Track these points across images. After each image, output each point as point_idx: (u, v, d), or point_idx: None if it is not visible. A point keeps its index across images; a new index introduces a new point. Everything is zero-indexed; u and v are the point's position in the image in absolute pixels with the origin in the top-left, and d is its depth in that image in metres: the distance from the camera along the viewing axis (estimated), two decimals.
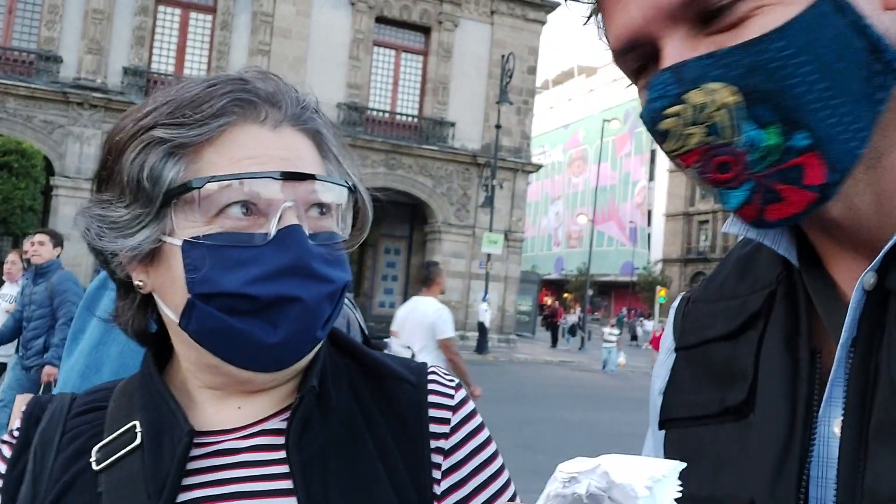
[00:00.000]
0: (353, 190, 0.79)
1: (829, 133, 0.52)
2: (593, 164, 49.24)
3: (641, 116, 0.59)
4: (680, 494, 0.47)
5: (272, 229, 0.70)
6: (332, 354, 0.82)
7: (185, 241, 0.71)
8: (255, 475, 0.73)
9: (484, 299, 22.23)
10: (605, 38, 0.63)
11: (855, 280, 0.57)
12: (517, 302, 26.23)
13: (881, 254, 0.55)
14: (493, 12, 24.47)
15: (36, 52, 20.44)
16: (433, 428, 0.79)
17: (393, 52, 24.22)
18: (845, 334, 0.56)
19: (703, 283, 0.76)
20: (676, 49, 0.55)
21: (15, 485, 0.75)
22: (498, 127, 22.80)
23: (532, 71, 24.96)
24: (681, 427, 0.68)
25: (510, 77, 22.40)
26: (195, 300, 0.71)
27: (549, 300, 49.88)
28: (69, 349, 1.39)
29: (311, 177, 0.73)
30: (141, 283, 0.76)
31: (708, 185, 0.57)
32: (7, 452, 0.77)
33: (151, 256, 0.74)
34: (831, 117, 0.52)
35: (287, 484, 0.72)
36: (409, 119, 24.20)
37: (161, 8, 21.87)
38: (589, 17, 0.64)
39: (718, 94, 0.53)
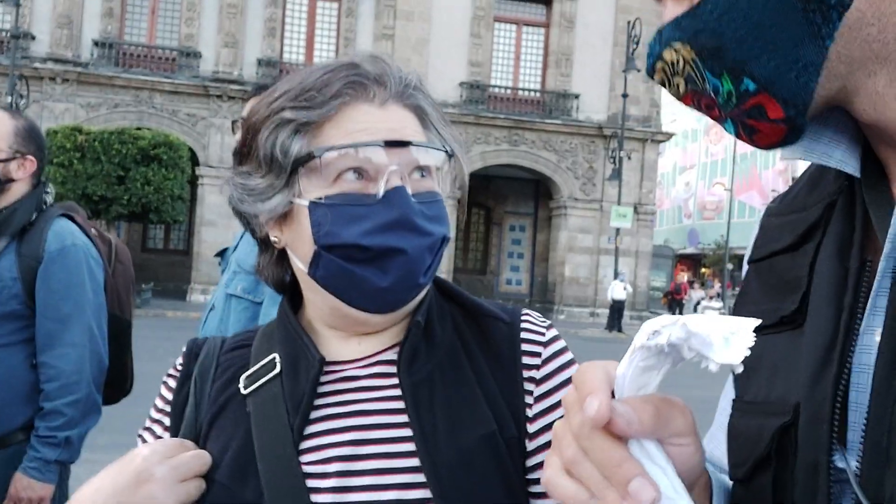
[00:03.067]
0: (449, 154, 0.91)
1: (772, 76, 0.58)
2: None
3: None
4: (751, 347, 0.50)
5: (381, 190, 0.84)
6: (438, 299, 0.95)
7: (310, 201, 0.85)
8: (372, 397, 0.87)
9: (616, 275, 21.67)
10: None
11: None
12: (650, 277, 25.44)
13: None
14: None
15: (177, 49, 21.83)
16: (525, 360, 0.91)
17: (514, 27, 23.94)
18: (889, 245, 0.58)
19: (779, 196, 0.78)
20: (669, 8, 0.61)
21: (180, 407, 0.92)
22: (625, 96, 22.05)
23: None
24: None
25: (637, 44, 21.53)
26: (321, 251, 0.85)
27: (684, 275, 48.08)
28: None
29: (410, 143, 0.86)
30: (276, 240, 0.92)
31: (710, 118, 0.64)
32: (172, 383, 0.95)
33: (284, 216, 0.89)
34: (772, 60, 0.57)
35: (399, 404, 0.86)
36: (532, 94, 23.89)
37: None
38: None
39: (681, 52, 0.60)
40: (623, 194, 22.36)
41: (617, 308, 21.00)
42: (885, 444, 0.53)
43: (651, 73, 0.65)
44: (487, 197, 26.08)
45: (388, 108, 0.88)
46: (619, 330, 20.80)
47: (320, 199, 0.84)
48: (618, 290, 21.00)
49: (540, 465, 0.86)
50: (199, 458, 0.85)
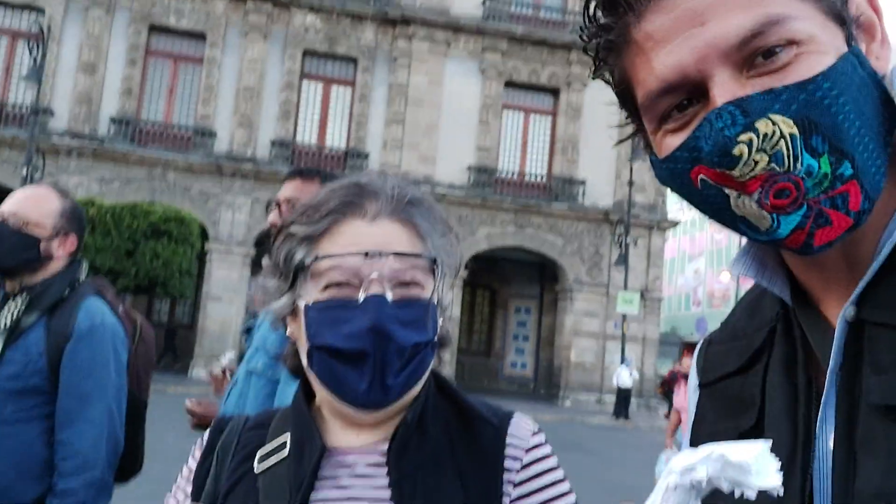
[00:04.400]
0: (435, 262, 0.98)
1: (864, 165, 0.60)
2: None
3: (691, 149, 0.63)
4: (779, 465, 0.53)
5: (361, 297, 0.93)
6: (435, 396, 1.03)
7: (306, 304, 0.96)
8: (366, 485, 0.95)
9: (622, 361, 21.41)
10: (617, 87, 0.71)
11: (839, 313, 0.64)
12: (656, 365, 25.13)
13: (858, 288, 0.63)
14: None
15: (193, 128, 22.38)
16: (507, 464, 0.98)
17: (521, 114, 24.55)
18: (832, 362, 0.64)
19: (720, 326, 0.84)
20: (728, 87, 0.61)
21: (202, 478, 1.03)
22: (630, 183, 22.36)
23: None
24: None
25: None
26: (313, 349, 0.95)
27: (685, 362, 47.47)
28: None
29: (387, 254, 0.94)
30: (290, 333, 1.03)
31: (764, 211, 0.62)
32: (198, 454, 1.06)
33: (293, 313, 1.00)
34: (864, 151, 0.60)
35: (388, 493, 0.94)
36: (539, 179, 24.27)
37: (305, 83, 23.42)
38: (598, 69, 0.72)
39: (781, 126, 0.59)
40: (629, 280, 22.36)
41: (623, 395, 20.65)
42: None
43: (730, 146, 0.61)
44: (493, 279, 26.11)
45: (378, 222, 0.97)
46: (626, 417, 20.40)
47: (312, 302, 0.95)
48: (624, 377, 20.69)
49: None
50: None
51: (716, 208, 0.65)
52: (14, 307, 2.16)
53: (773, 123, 0.59)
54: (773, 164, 0.60)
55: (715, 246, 57.32)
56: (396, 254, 0.95)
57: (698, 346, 0.86)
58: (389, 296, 0.93)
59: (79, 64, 21.69)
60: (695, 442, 0.78)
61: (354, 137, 23.27)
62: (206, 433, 1.07)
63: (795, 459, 0.64)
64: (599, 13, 0.69)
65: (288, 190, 2.32)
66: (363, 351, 0.91)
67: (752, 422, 0.70)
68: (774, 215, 0.61)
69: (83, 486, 2.09)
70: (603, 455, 13.53)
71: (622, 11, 0.66)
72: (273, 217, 2.33)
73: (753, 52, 0.61)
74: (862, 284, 0.63)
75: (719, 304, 54.44)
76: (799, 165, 0.59)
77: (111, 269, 17.99)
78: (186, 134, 22.45)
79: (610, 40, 0.68)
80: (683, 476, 0.53)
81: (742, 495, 0.54)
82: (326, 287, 0.95)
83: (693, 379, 0.84)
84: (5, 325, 2.14)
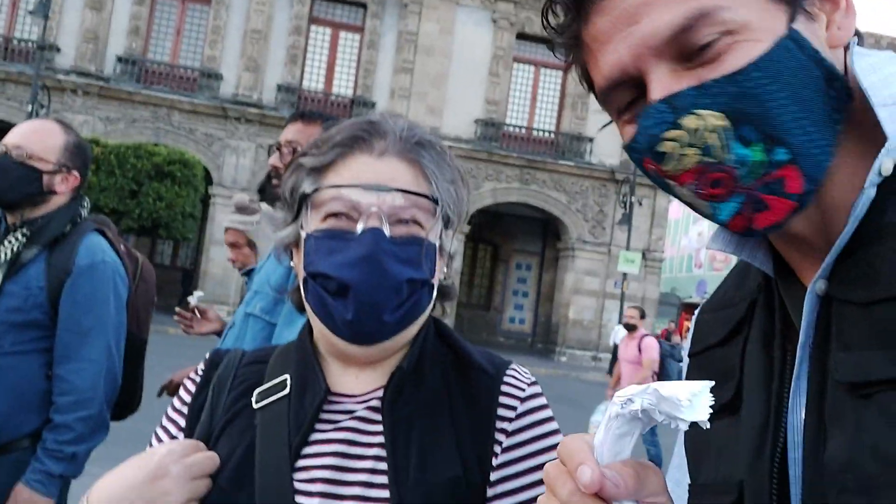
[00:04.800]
0: (437, 203, 0.98)
1: (802, 148, 0.61)
2: None
3: (633, 144, 0.66)
4: (713, 404, 0.56)
5: (359, 229, 0.93)
6: (435, 341, 1.04)
7: (307, 234, 0.97)
8: (362, 429, 0.96)
9: (620, 320, 21.53)
10: (584, 82, 0.74)
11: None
12: (655, 325, 25.30)
13: (825, 262, 0.63)
14: None
15: (199, 70, 22.15)
16: (501, 412, 0.98)
17: (532, 68, 24.23)
18: (802, 336, 0.65)
19: (713, 293, 0.85)
20: (663, 82, 0.63)
21: (197, 411, 1.02)
22: None
23: None
24: (692, 426, 0.75)
25: None
26: (307, 277, 0.96)
27: (687, 324, 47.69)
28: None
29: (390, 189, 0.95)
30: (293, 265, 1.04)
31: (702, 200, 0.65)
32: (192, 387, 1.05)
33: (297, 244, 1.01)
34: (803, 135, 0.61)
35: (381, 439, 0.95)
36: (546, 134, 24.07)
37: (313, 28, 23.07)
38: (569, 64, 0.74)
39: (709, 119, 0.61)
40: (632, 239, 22.36)
41: (618, 353, 20.85)
42: None
43: (654, 144, 0.64)
44: (495, 234, 26.13)
45: (385, 158, 0.98)
46: None
47: (312, 232, 0.96)
48: (620, 336, 20.85)
49: None
50: (210, 460, 0.94)
51: (670, 193, 0.68)
52: (14, 241, 2.16)
53: (701, 118, 0.61)
54: (703, 157, 0.62)
55: None
56: (398, 190, 0.95)
57: (695, 315, 0.86)
58: (387, 230, 0.93)
59: (86, 0, 21.36)
60: None
61: (361, 85, 23.02)
62: (201, 366, 1.07)
63: (767, 430, 0.66)
64: (551, 17, 0.72)
65: (289, 132, 2.31)
66: (351, 280, 0.92)
67: (732, 393, 0.72)
68: (712, 203, 0.64)
69: (79, 422, 2.12)
70: (592, 409, 13.76)
71: (571, 16, 0.69)
72: (274, 159, 2.32)
73: (687, 46, 0.62)
74: (828, 259, 0.63)
75: (721, 267, 54.45)
76: (730, 155, 0.61)
77: (114, 210, 18.02)
78: (192, 75, 22.22)
79: (566, 42, 0.71)
80: (623, 407, 0.57)
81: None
82: (326, 217, 0.95)
83: (686, 349, 0.86)
84: (5, 257, 2.14)
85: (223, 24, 22.18)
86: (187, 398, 1.04)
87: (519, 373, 1.03)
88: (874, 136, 0.63)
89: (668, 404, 0.56)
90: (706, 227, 58.33)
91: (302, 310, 1.05)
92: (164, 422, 1.05)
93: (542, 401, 1.02)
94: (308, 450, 0.95)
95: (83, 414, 2.13)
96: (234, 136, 21.85)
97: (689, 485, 0.77)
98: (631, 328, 8.95)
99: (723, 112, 0.61)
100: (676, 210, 56.81)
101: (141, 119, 21.61)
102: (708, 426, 0.56)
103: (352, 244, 0.93)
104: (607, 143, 23.79)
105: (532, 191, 23.57)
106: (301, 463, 0.94)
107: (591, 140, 23.75)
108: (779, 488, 0.65)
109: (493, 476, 0.95)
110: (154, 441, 1.03)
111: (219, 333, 3.08)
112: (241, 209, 3.44)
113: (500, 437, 0.97)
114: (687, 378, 0.81)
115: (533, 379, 1.03)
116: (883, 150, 0.61)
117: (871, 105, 0.63)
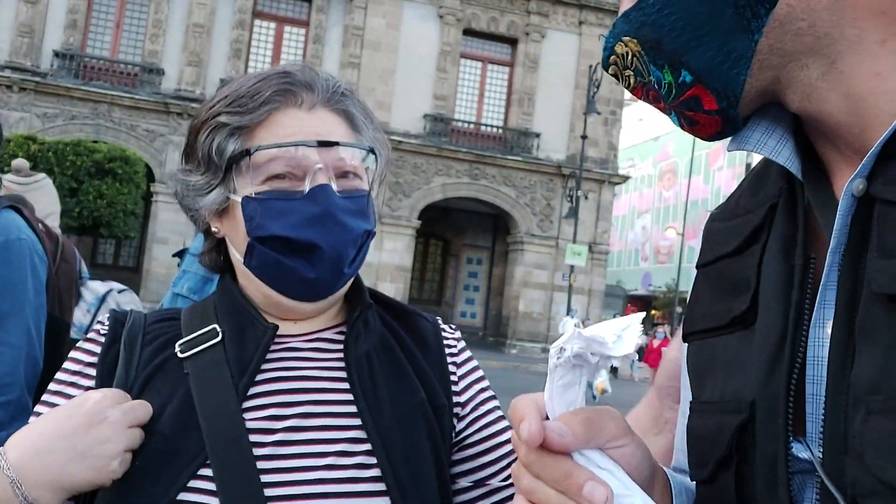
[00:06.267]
0: (374, 153, 1.00)
1: (706, 68, 0.61)
2: (684, 178, 47.74)
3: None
4: (642, 336, 0.56)
5: (307, 187, 0.92)
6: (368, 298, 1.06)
7: (244, 197, 0.94)
8: (315, 366, 0.97)
9: (568, 312, 21.84)
10: None
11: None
12: (601, 316, 25.74)
13: (867, 158, 0.57)
14: (580, 23, 24.26)
15: (140, 65, 21.62)
16: (447, 350, 1.07)
17: (479, 64, 24.34)
18: (834, 240, 0.59)
19: (724, 202, 0.79)
20: (624, 3, 0.65)
21: (109, 366, 0.94)
22: (584, 137, 22.51)
23: None
24: (698, 339, 0.73)
25: (597, 88, 22.08)
26: (254, 242, 0.94)
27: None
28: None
29: (335, 143, 0.94)
30: (216, 230, 1.01)
31: (661, 111, 0.67)
32: (94, 346, 0.97)
33: (223, 210, 0.98)
34: (706, 52, 0.61)
35: (341, 374, 0.96)
36: (494, 130, 24.23)
37: (257, 22, 22.74)
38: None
39: (629, 45, 0.64)
40: (579, 233, 22.69)
41: None
42: (842, 432, 0.54)
43: (606, 66, 0.68)
44: (446, 229, 26.20)
45: (315, 112, 0.96)
46: None
47: (252, 195, 0.93)
48: (569, 327, 21.11)
49: (469, 433, 1.03)
50: (144, 407, 0.89)
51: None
52: None
53: (625, 44, 0.65)
54: (638, 78, 0.66)
55: (663, 203, 58.20)
56: (340, 143, 0.94)
57: (705, 224, 0.81)
58: (335, 186, 0.93)
59: None
60: (689, 325, 0.76)
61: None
62: (102, 325, 0.99)
63: (784, 345, 0.61)
64: None
65: None
66: (316, 239, 0.91)
67: (746, 305, 0.66)
68: (666, 115, 0.68)
69: None
70: (596, 400, 14.01)
71: None
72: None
73: None
74: (869, 156, 0.57)
75: (664, 259, 55.53)
76: (651, 78, 0.64)
77: None
78: (133, 70, 21.67)
79: None
80: (558, 357, 0.57)
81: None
82: (266, 179, 0.93)
83: (695, 258, 0.81)
84: None
85: (164, 18, 21.69)
86: (90, 358, 0.96)
87: (445, 323, 1.13)
88: None
89: (595, 344, 0.56)
90: (650, 222, 59.45)
91: (216, 271, 1.06)
92: (59, 387, 0.95)
93: (465, 344, 1.13)
94: (257, 389, 0.93)
95: (2, 399, 2.01)
96: (177, 131, 21.40)
97: (691, 401, 0.72)
98: None
99: (637, 39, 0.64)
100: (623, 206, 57.78)
101: (80, 115, 20.99)
102: (635, 357, 0.55)
103: (302, 203, 0.91)
104: (554, 138, 24.09)
105: (481, 186, 23.70)
106: (251, 403, 0.91)
107: (538, 135, 23.99)
108: (795, 409, 0.60)
109: (460, 398, 1.04)
110: (57, 400, 0.93)
111: None
112: (18, 171, 3.59)
113: (452, 368, 1.06)
114: (694, 290, 0.77)
115: (454, 326, 1.15)
116: None
117: None
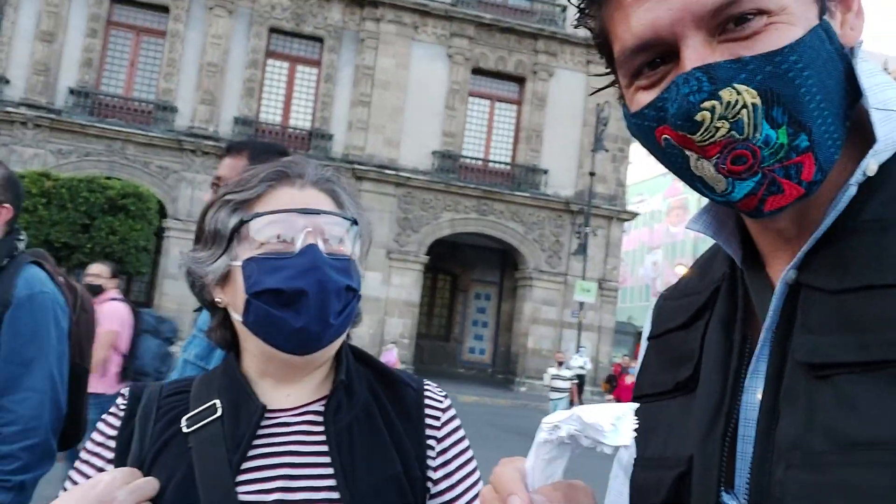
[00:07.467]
0: (354, 222, 1.12)
1: (821, 138, 0.63)
2: (693, 213, 47.50)
3: (649, 111, 0.66)
4: (636, 427, 0.59)
5: (298, 247, 1.04)
6: (354, 363, 1.15)
7: (244, 260, 1.05)
8: (302, 440, 1.05)
9: (578, 350, 21.70)
10: (597, 39, 0.73)
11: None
12: (612, 354, 25.56)
13: (800, 253, 0.66)
14: (588, 62, 24.53)
15: (154, 103, 21.97)
16: (428, 421, 1.13)
17: (487, 102, 24.61)
18: (768, 320, 0.67)
19: (674, 284, 0.89)
20: (699, 51, 0.63)
21: (125, 442, 1.05)
22: (592, 174, 22.63)
23: None
24: (646, 402, 0.80)
25: (605, 125, 22.28)
26: (250, 298, 1.04)
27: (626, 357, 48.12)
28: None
29: (319, 212, 1.07)
30: (220, 301, 1.11)
31: (720, 174, 0.65)
32: (114, 421, 1.08)
33: (225, 279, 1.09)
34: (823, 125, 0.62)
35: (323, 447, 1.04)
36: (502, 166, 24.39)
37: (270, 61, 23.13)
38: (583, 16, 0.72)
39: (744, 95, 0.61)
40: (588, 269, 22.67)
41: (577, 383, 20.92)
42: (766, 484, 0.62)
43: (693, 112, 0.63)
44: (454, 264, 26.23)
45: (306, 190, 1.10)
46: (580, 404, 20.54)
47: (250, 257, 1.05)
48: (577, 364, 20.94)
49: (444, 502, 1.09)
50: (151, 484, 1.00)
51: (677, 167, 0.68)
52: None
53: (738, 93, 0.61)
54: (733, 132, 0.62)
55: (670, 239, 58.06)
56: (324, 212, 1.08)
57: (655, 302, 0.90)
58: (322, 246, 1.05)
59: (37, 32, 21.11)
60: (637, 390, 0.84)
61: (319, 118, 23.09)
62: (121, 400, 1.11)
63: (722, 407, 0.69)
64: None
65: (221, 169, 2.34)
66: (302, 290, 1.01)
67: (689, 372, 0.75)
68: (730, 179, 0.64)
69: (25, 451, 2.10)
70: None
71: None
72: (208, 196, 2.37)
73: (726, 19, 0.63)
74: (803, 251, 0.65)
75: None
76: (758, 135, 0.62)
77: (66, 244, 17.64)
78: (147, 108, 22.02)
79: None
80: (551, 433, 0.61)
81: None
82: (263, 244, 1.05)
83: (645, 332, 0.89)
84: None
85: (178, 58, 22.10)
86: (111, 431, 1.08)
87: (434, 388, 1.19)
88: (862, 139, 0.65)
89: (592, 430, 0.59)
90: (661, 258, 59.28)
91: (222, 347, 1.15)
92: (87, 456, 1.07)
93: (454, 412, 1.18)
94: (249, 464, 1.02)
95: (29, 443, 2.11)
96: (190, 168, 21.66)
97: (636, 458, 0.79)
98: (97, 290, 5.92)
99: (757, 90, 0.61)
100: (633, 241, 57.67)
101: (94, 152, 21.28)
102: (632, 450, 0.61)
103: (294, 260, 1.03)
104: (562, 174, 24.22)
105: (489, 221, 23.79)
106: (244, 477, 1.00)
107: (545, 172, 24.13)
108: (727, 464, 0.67)
109: (435, 475, 1.10)
110: (77, 477, 1.05)
111: None
112: None
113: (431, 442, 1.11)
114: (644, 361, 0.85)
115: (445, 393, 1.19)
116: (871, 151, 0.63)
117: (867, 107, 0.64)
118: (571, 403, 20.66)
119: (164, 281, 21.37)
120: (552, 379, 16.03)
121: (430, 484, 1.09)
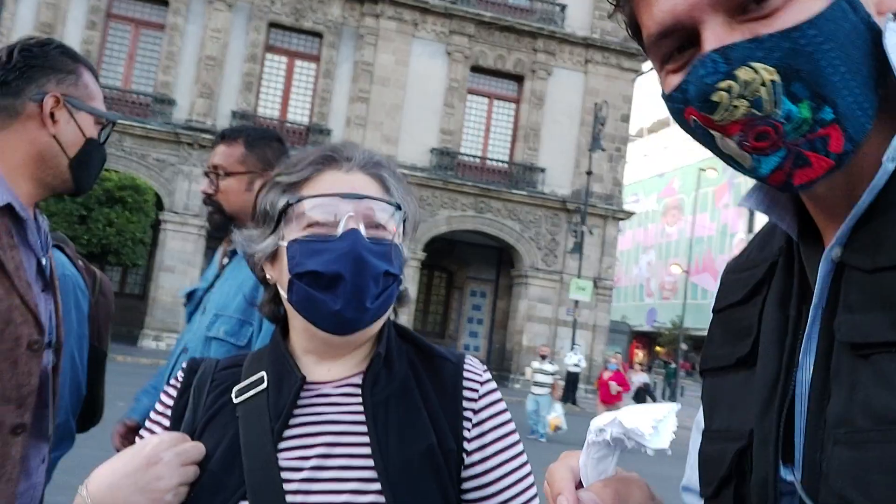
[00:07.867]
0: (400, 208, 1.14)
1: (847, 109, 0.62)
2: (688, 214, 47.71)
3: (677, 93, 0.68)
4: (675, 430, 0.61)
5: (339, 231, 1.08)
6: (397, 340, 1.19)
7: (289, 241, 1.10)
8: (340, 411, 1.10)
9: (572, 348, 21.79)
10: (630, 29, 0.75)
11: None
12: (605, 352, 25.66)
13: (841, 230, 0.66)
14: (587, 61, 24.60)
15: (152, 96, 21.97)
16: (466, 394, 1.15)
17: (486, 100, 24.65)
18: (815, 298, 0.69)
19: (739, 254, 0.89)
20: (717, 33, 0.64)
21: (180, 411, 1.14)
22: (589, 173, 22.70)
23: (626, 119, 24.83)
24: (710, 376, 0.84)
25: (603, 125, 22.34)
26: (293, 278, 1.08)
27: (639, 353, 48.32)
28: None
29: (362, 196, 1.11)
30: (270, 277, 1.16)
31: (745, 152, 0.66)
32: (172, 392, 1.16)
33: (274, 257, 1.14)
34: (849, 96, 0.62)
35: (361, 418, 1.08)
36: (500, 164, 24.44)
37: (269, 56, 23.13)
38: (616, 8, 0.75)
39: (762, 73, 0.62)
40: (583, 268, 22.75)
41: (571, 380, 21.01)
42: (818, 459, 0.64)
43: (708, 93, 0.64)
44: (450, 261, 26.28)
45: (353, 174, 1.13)
46: (574, 402, 20.73)
47: (295, 238, 1.09)
48: (573, 361, 21.01)
49: (476, 475, 1.12)
50: (196, 448, 1.06)
51: (708, 145, 0.69)
52: None
53: (755, 71, 0.62)
54: (752, 110, 0.63)
55: (665, 239, 58.08)
56: (369, 197, 1.11)
57: (721, 273, 0.90)
58: (363, 231, 1.08)
59: (36, 24, 21.07)
60: (703, 363, 0.86)
61: (317, 113, 23.10)
62: (180, 373, 1.18)
63: (778, 384, 0.71)
64: None
65: (215, 157, 2.33)
66: (340, 273, 1.05)
67: (748, 349, 0.77)
68: (755, 156, 0.65)
69: None
70: (548, 437, 13.83)
71: None
72: (205, 185, 2.36)
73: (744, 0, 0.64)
74: (842, 229, 0.66)
75: (669, 296, 55.23)
76: (778, 111, 0.62)
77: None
78: (145, 101, 22.01)
79: None
80: (598, 435, 0.65)
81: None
82: (308, 226, 1.09)
83: (713, 303, 0.91)
84: None
85: (177, 51, 22.09)
86: (169, 401, 1.16)
87: (473, 362, 1.20)
88: None
89: (635, 435, 0.62)
90: (654, 258, 59.34)
91: (273, 321, 1.20)
92: (149, 424, 1.16)
93: (494, 384, 1.19)
94: (290, 432, 1.07)
95: None
96: (188, 161, 21.67)
97: (704, 431, 0.83)
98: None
99: (775, 67, 0.62)
100: (628, 241, 57.74)
101: None
102: (670, 453, 0.64)
103: (335, 244, 1.07)
104: (559, 173, 24.28)
105: (486, 219, 23.84)
106: (284, 444, 1.06)
107: (543, 171, 24.19)
108: (785, 438, 0.69)
109: (470, 446, 1.12)
110: (146, 433, 1.14)
111: None
112: None
113: (468, 414, 1.14)
114: (709, 334, 0.86)
115: (485, 367, 1.21)
116: None
117: None
118: (564, 399, 20.76)
119: (160, 273, 21.37)
120: (534, 373, 15.09)
121: (464, 455, 1.11)
